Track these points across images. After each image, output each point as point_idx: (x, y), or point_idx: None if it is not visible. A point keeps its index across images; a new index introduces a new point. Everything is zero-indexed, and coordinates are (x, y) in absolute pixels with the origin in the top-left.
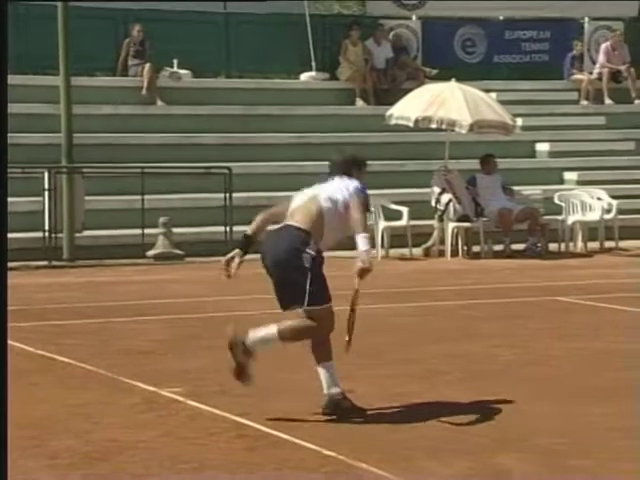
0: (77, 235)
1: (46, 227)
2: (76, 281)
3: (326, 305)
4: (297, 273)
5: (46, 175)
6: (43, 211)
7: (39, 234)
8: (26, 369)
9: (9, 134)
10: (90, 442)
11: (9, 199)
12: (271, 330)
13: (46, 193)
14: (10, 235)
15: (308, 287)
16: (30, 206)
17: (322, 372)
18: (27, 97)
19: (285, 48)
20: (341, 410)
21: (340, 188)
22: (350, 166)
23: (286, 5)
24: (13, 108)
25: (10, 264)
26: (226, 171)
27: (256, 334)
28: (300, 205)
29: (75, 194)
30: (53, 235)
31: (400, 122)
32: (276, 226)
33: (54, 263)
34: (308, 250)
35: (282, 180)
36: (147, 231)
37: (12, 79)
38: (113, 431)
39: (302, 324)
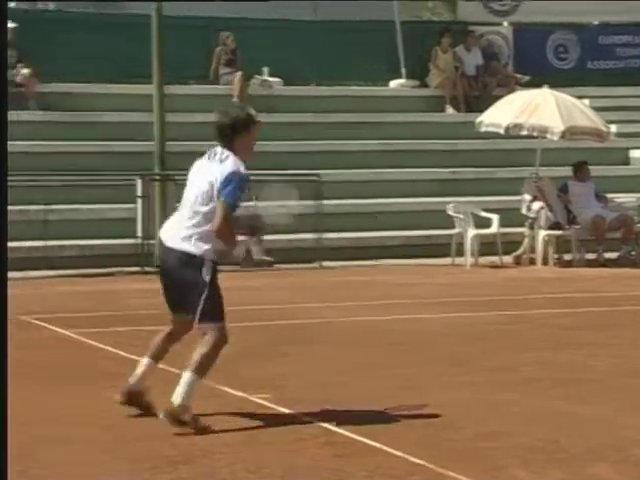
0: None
1: (139, 234)
2: None
3: None
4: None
5: (139, 182)
6: (136, 218)
7: (132, 241)
8: (115, 372)
9: (103, 142)
10: (175, 446)
11: (103, 206)
12: (186, 379)
13: (139, 200)
14: (104, 242)
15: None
16: (123, 213)
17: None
18: (121, 105)
19: (375, 55)
20: (178, 422)
21: (209, 174)
22: (230, 133)
23: (376, 12)
24: (107, 116)
25: (104, 270)
26: (316, 178)
27: (179, 394)
28: None
29: (167, 201)
30: (146, 242)
31: (491, 129)
32: None
33: (147, 269)
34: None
35: (371, 187)
36: (240, 237)
37: (107, 88)
38: (199, 435)
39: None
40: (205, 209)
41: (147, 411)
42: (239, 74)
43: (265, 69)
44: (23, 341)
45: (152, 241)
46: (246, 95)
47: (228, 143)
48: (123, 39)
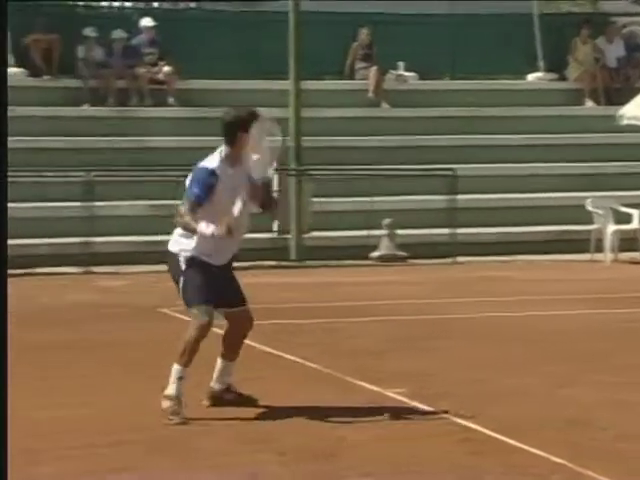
0: (305, 236)
1: (275, 228)
2: (304, 281)
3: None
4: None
5: (275, 177)
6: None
7: (268, 235)
8: (251, 365)
9: None
10: (318, 439)
11: None
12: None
13: (276, 195)
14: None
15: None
16: None
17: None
18: (258, 101)
19: (511, 48)
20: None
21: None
22: (231, 131)
23: (513, 5)
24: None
25: (242, 264)
26: (451, 173)
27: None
28: None
29: (303, 196)
30: (282, 236)
31: (632, 122)
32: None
33: (283, 263)
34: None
35: (507, 182)
36: (372, 232)
37: (244, 84)
38: (339, 429)
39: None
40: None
41: (241, 402)
42: (374, 69)
43: (401, 64)
44: (159, 332)
45: (288, 236)
46: (381, 90)
47: (229, 141)
48: (261, 36)
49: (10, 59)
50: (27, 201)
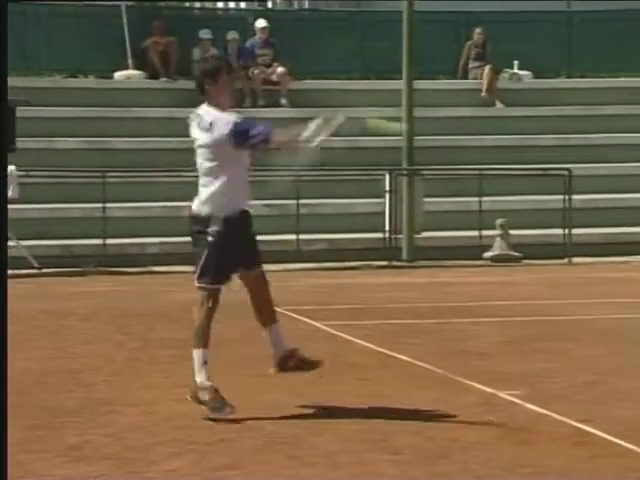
0: (416, 236)
1: (386, 228)
2: (415, 281)
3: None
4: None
5: (387, 177)
6: (384, 212)
7: (380, 235)
8: (363, 364)
9: (352, 137)
10: (431, 440)
11: (351, 200)
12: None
13: (387, 195)
14: (352, 235)
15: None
16: (371, 207)
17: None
18: (370, 101)
19: (630, 46)
20: (198, 400)
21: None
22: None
23: (632, 2)
24: (356, 112)
25: (352, 264)
26: (566, 172)
27: (196, 374)
28: None
29: (415, 196)
30: (393, 236)
31: None
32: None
33: (394, 263)
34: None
35: (624, 182)
36: (484, 233)
37: (356, 84)
38: (453, 430)
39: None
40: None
41: (307, 366)
42: (488, 68)
43: (515, 62)
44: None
45: (399, 235)
46: (494, 89)
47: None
48: (373, 36)
49: (129, 62)
50: (141, 201)
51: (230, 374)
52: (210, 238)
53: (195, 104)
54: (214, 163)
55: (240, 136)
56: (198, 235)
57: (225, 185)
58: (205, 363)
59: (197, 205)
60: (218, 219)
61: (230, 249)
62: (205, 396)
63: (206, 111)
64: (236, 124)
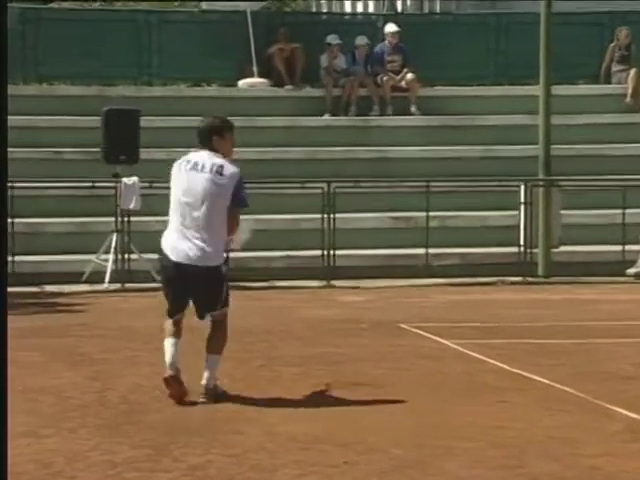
0: (553, 251)
1: (521, 242)
2: (552, 298)
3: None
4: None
5: (522, 188)
6: (518, 225)
7: (514, 249)
8: (498, 386)
9: (484, 146)
10: (571, 468)
11: (484, 213)
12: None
13: (522, 207)
14: (485, 250)
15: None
16: (505, 220)
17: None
18: (503, 108)
19: None
20: (215, 396)
21: None
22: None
23: None
24: (488, 120)
25: (484, 279)
26: None
27: (211, 375)
28: None
29: (552, 208)
30: (528, 250)
31: None
32: None
33: (529, 279)
34: None
35: None
36: (627, 247)
37: (489, 90)
38: (594, 458)
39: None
40: None
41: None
42: (633, 71)
43: None
44: (407, 349)
45: (535, 250)
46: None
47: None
48: (507, 39)
49: (254, 70)
50: (265, 213)
51: (345, 393)
52: (224, 270)
53: (321, 112)
54: (214, 209)
55: (241, 189)
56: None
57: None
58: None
59: (202, 259)
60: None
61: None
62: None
63: (209, 157)
64: (241, 178)
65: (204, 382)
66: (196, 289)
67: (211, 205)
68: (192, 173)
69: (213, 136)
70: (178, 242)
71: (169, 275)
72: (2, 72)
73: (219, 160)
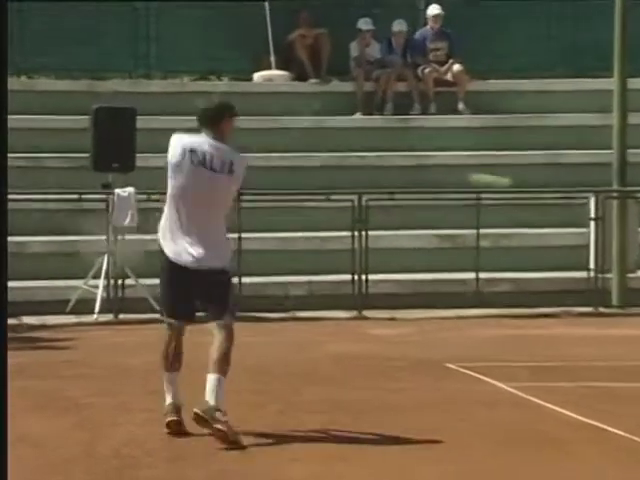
0: (630, 276)
1: (591, 265)
2: (628, 333)
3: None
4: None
5: (592, 201)
6: (588, 245)
7: (582, 274)
8: (566, 438)
9: (546, 151)
10: None
11: (546, 230)
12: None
13: (592, 223)
14: (548, 274)
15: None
16: (572, 239)
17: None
18: (569, 106)
19: None
20: (211, 421)
21: None
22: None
23: None
24: (550, 119)
25: (547, 310)
26: None
27: (210, 395)
28: None
29: (628, 224)
30: (600, 275)
31: None
32: None
33: (600, 310)
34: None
35: None
36: None
37: (550, 84)
38: None
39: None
40: None
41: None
42: None
43: None
44: (454, 394)
45: (608, 275)
46: None
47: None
48: (577, 24)
49: (271, 60)
50: (284, 230)
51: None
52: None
53: (351, 110)
54: (221, 208)
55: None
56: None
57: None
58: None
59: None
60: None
61: None
62: (222, 417)
63: (215, 148)
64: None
65: (212, 403)
66: (202, 293)
67: (220, 206)
68: (201, 170)
69: (225, 116)
70: (179, 242)
71: (170, 277)
72: (2, 72)
73: (228, 154)
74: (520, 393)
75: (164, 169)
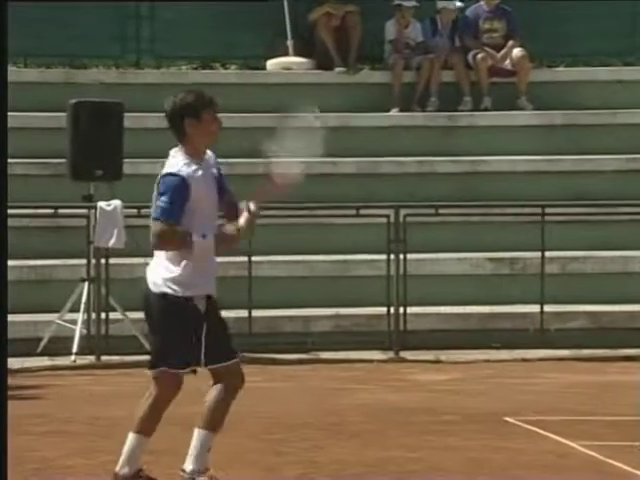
0: None
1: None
2: None
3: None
4: None
5: None
6: None
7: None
8: None
9: (629, 155)
10: None
11: (628, 253)
12: (198, 436)
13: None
14: (632, 307)
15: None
16: None
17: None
18: None
19: None
20: None
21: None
22: (178, 121)
23: None
24: (629, 117)
25: (628, 351)
26: None
27: (191, 455)
28: None
29: None
30: None
31: None
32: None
33: None
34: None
35: None
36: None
37: (638, 73)
38: None
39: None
40: None
41: None
42: None
43: None
44: (517, 455)
45: None
46: None
47: (179, 135)
48: None
49: (289, 45)
50: (304, 252)
51: None
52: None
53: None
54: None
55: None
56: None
57: None
58: (209, 450)
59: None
60: None
61: None
62: None
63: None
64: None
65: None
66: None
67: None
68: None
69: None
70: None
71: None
72: (2, 71)
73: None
74: (599, 455)
75: (156, 177)
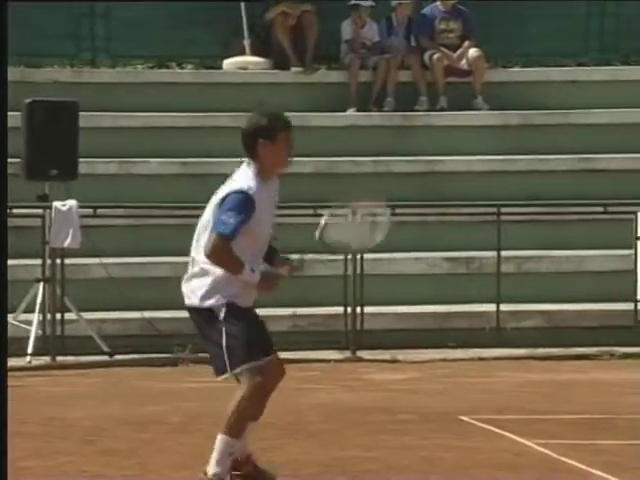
0: None
1: (638, 295)
2: None
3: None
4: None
5: (639, 216)
6: (634, 270)
7: (627, 306)
8: None
9: (588, 155)
10: None
11: (582, 252)
12: (218, 443)
13: (638, 243)
14: (585, 306)
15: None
16: (614, 263)
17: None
18: (615, 99)
19: None
20: None
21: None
22: (251, 142)
23: None
24: (593, 117)
25: (581, 350)
26: None
27: (212, 462)
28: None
29: None
30: None
31: None
32: None
33: None
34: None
35: None
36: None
37: (589, 73)
38: None
39: (239, 400)
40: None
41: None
42: None
43: None
44: (471, 454)
45: None
46: None
47: (251, 153)
48: (620, 2)
49: (245, 44)
50: None
51: None
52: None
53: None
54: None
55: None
56: None
57: None
58: (231, 454)
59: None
60: None
61: None
62: None
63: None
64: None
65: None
66: None
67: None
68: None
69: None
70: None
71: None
72: (2, 71)
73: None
74: (553, 454)
75: (114, 177)
